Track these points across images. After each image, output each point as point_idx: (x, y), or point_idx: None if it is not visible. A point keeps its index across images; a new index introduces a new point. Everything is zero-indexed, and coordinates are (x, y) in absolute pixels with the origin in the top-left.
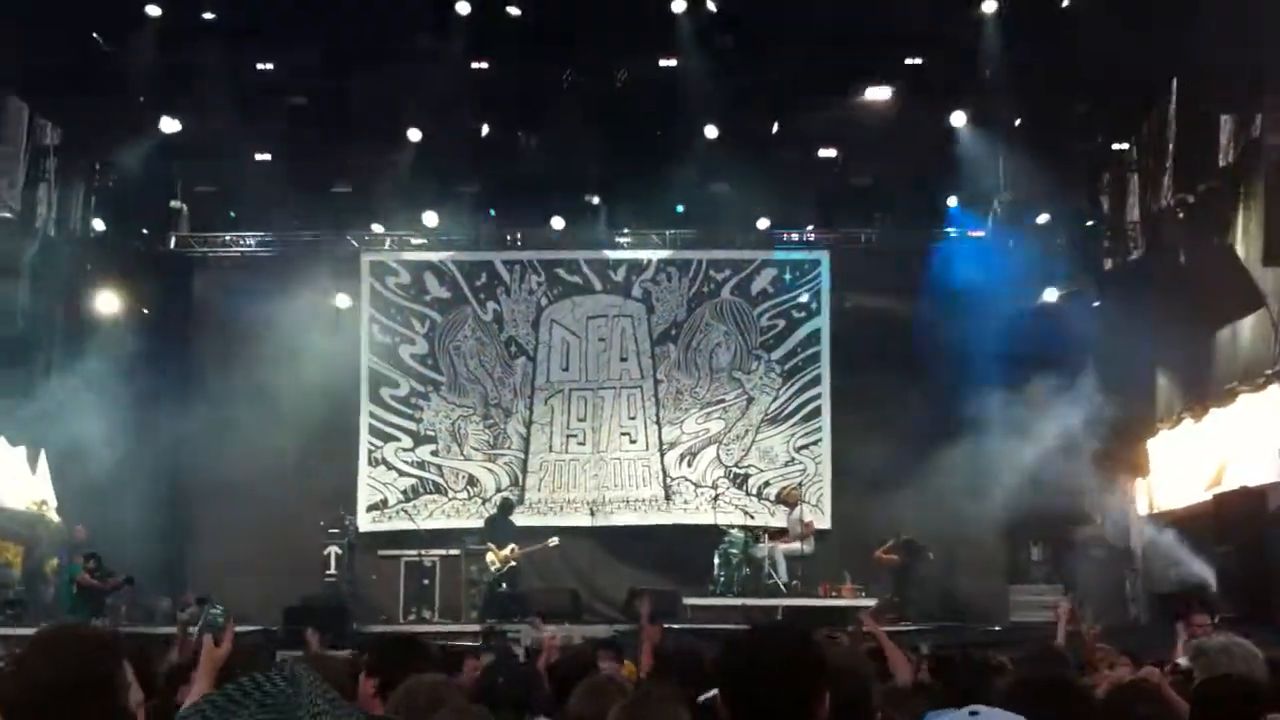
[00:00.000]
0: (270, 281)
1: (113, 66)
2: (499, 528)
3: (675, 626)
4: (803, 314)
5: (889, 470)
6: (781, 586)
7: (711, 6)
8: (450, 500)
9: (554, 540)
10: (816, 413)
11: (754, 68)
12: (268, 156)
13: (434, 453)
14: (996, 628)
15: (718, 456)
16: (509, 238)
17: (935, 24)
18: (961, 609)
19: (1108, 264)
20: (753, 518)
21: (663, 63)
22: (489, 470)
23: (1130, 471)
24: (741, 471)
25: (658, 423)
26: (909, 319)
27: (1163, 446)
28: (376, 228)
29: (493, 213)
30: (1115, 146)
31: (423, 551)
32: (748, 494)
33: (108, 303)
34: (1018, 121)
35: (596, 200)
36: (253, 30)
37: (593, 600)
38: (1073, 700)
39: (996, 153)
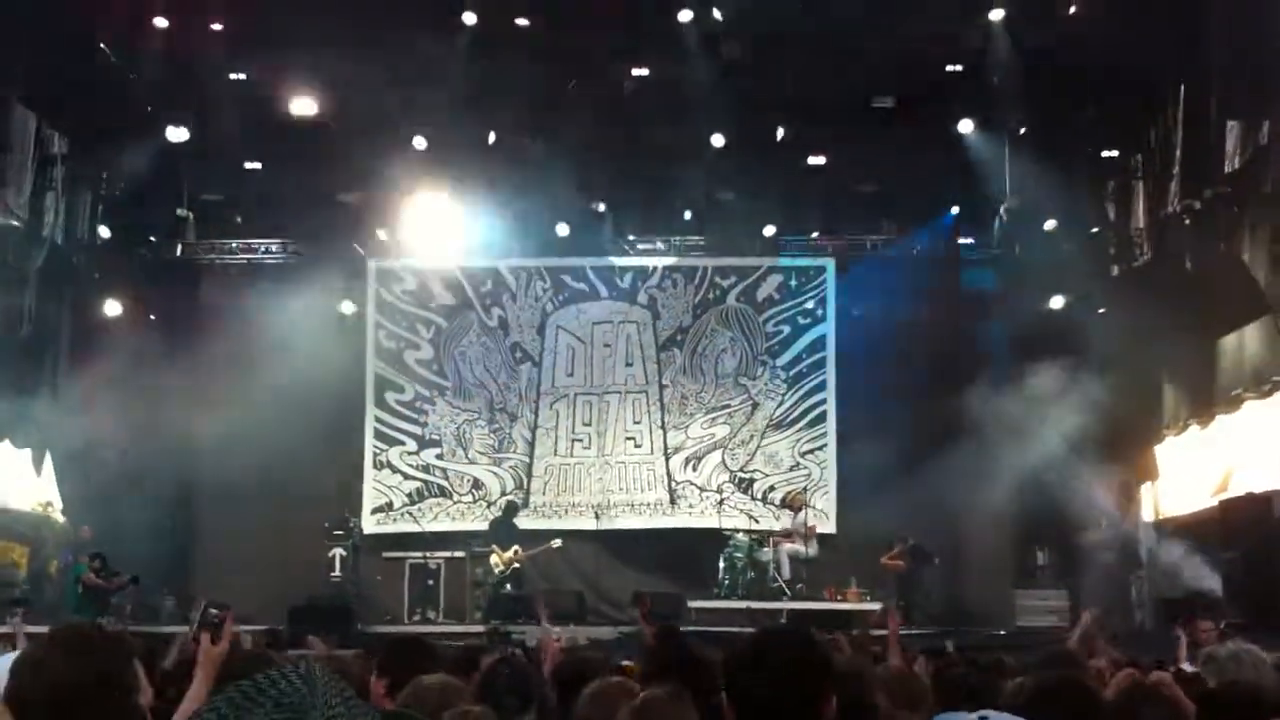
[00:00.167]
0: (276, 288)
1: (119, 76)
2: (503, 530)
3: (680, 629)
4: (808, 320)
5: (894, 475)
6: (786, 589)
7: (717, 15)
8: (455, 503)
9: (557, 542)
10: (822, 418)
11: (760, 75)
12: (274, 164)
13: (439, 456)
14: (1002, 632)
15: (723, 461)
16: (515, 244)
17: (942, 31)
18: (967, 613)
19: (1114, 270)
20: (757, 522)
21: (669, 70)
22: (494, 474)
23: (1137, 477)
24: (746, 476)
25: (663, 427)
26: (914, 325)
27: (1169, 453)
28: (383, 235)
29: (500, 220)
30: (1121, 153)
31: (427, 553)
32: (753, 499)
33: (114, 309)
34: (1024, 128)
35: (602, 207)
36: (259, 39)
37: (598, 602)
38: (1084, 703)
39: (1003, 159)
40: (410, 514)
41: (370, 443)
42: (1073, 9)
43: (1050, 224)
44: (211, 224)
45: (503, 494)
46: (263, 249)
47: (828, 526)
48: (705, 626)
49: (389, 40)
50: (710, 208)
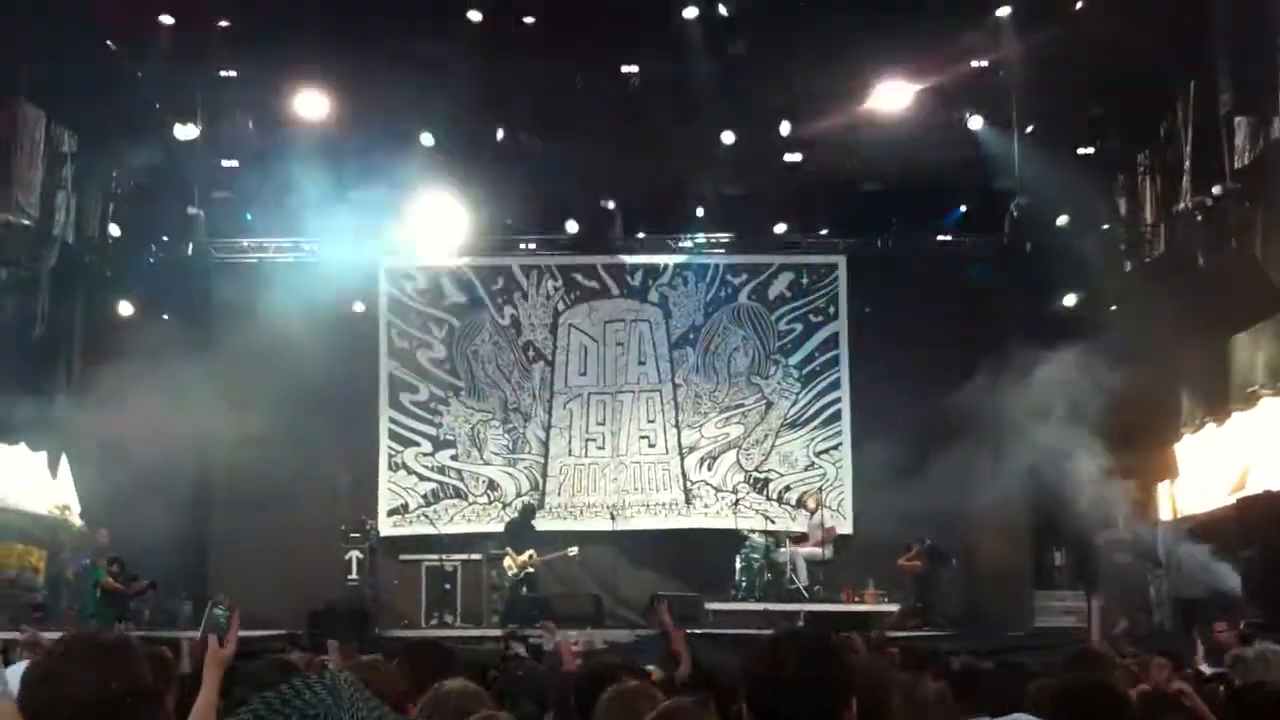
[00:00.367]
0: (289, 287)
1: (129, 73)
2: (519, 533)
3: (697, 632)
4: (820, 318)
5: (909, 474)
6: (803, 591)
7: (724, 11)
8: (471, 505)
9: (573, 550)
10: (836, 417)
11: (768, 72)
12: (284, 162)
13: (454, 457)
14: (1021, 633)
15: (737, 461)
16: (525, 243)
17: (951, 27)
18: (985, 615)
19: (1126, 267)
20: (773, 522)
21: (676, 67)
22: (509, 475)
23: (1156, 476)
24: (761, 476)
25: (677, 426)
26: (927, 322)
27: (1186, 451)
28: (394, 233)
29: (512, 220)
30: (1132, 149)
31: (444, 556)
32: (768, 498)
33: (127, 309)
34: (1033, 124)
35: (613, 205)
36: (267, 37)
37: (615, 605)
38: (1112, 706)
39: (1012, 156)
40: (426, 516)
41: (385, 444)
42: (1080, 3)
43: (1062, 220)
44: (222, 222)
45: (518, 495)
46: (274, 248)
47: (844, 527)
48: (723, 629)
49: (397, 37)
50: (720, 205)
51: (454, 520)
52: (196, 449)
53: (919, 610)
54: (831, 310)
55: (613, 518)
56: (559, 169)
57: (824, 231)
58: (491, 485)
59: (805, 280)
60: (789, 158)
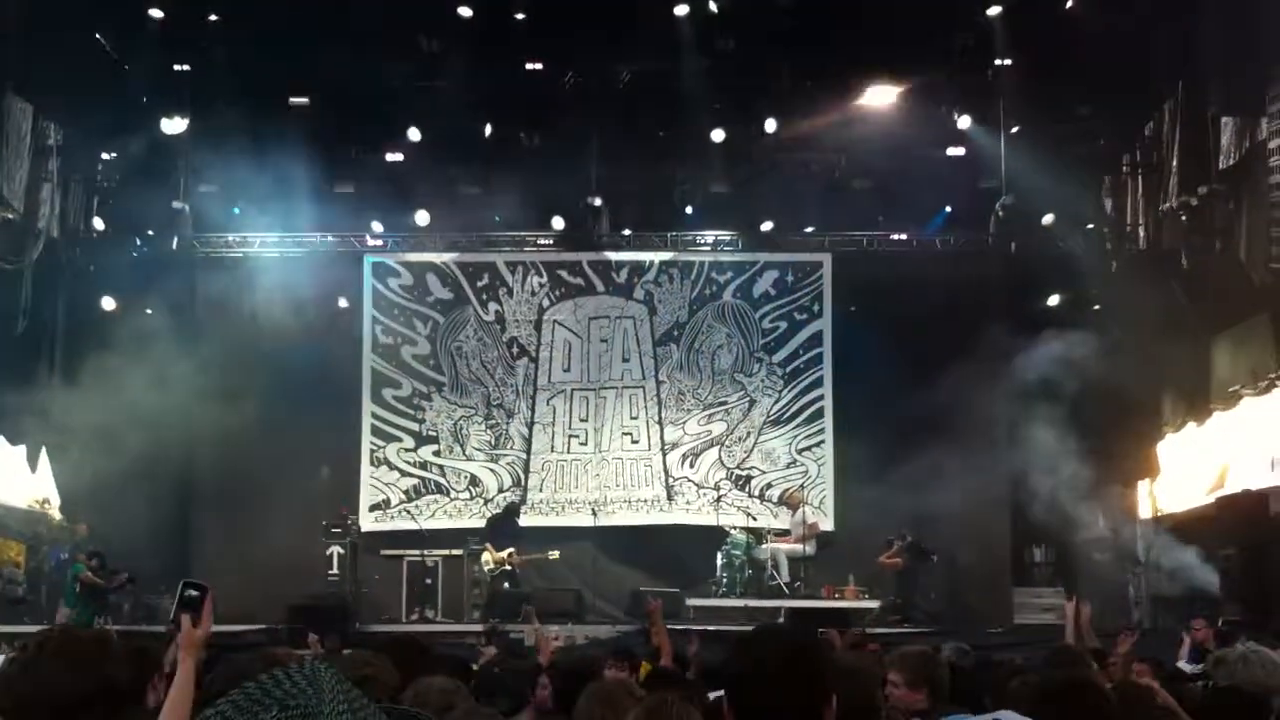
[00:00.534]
0: (273, 282)
1: (115, 67)
2: (500, 530)
3: (678, 627)
4: (804, 316)
5: (892, 472)
6: (784, 588)
7: (713, 8)
8: (452, 500)
9: (554, 553)
10: (819, 414)
11: (756, 69)
12: (270, 157)
13: (436, 453)
14: (1000, 630)
15: (720, 458)
16: (511, 239)
17: (939, 26)
18: (965, 611)
19: (1111, 266)
20: (755, 519)
21: (664, 64)
22: (491, 471)
23: (1136, 474)
24: (744, 473)
25: (660, 423)
26: (911, 321)
27: (1166, 450)
28: (378, 228)
29: (498, 217)
30: (1118, 149)
31: (425, 551)
32: (750, 495)
33: (110, 303)
34: (1021, 123)
35: (598, 202)
36: (255, 31)
37: (596, 601)
38: (1093, 702)
39: (999, 154)
40: (408, 511)
41: (367, 439)
42: (1070, 3)
43: (1049, 218)
44: (207, 217)
45: (500, 491)
46: (259, 242)
47: (826, 524)
48: (704, 625)
49: (385, 33)
50: (706, 202)
51: (435, 516)
52: (178, 443)
53: (899, 607)
54: (816, 308)
55: (595, 514)
56: (546, 165)
57: (809, 229)
58: (473, 481)
59: (790, 278)
60: (776, 156)
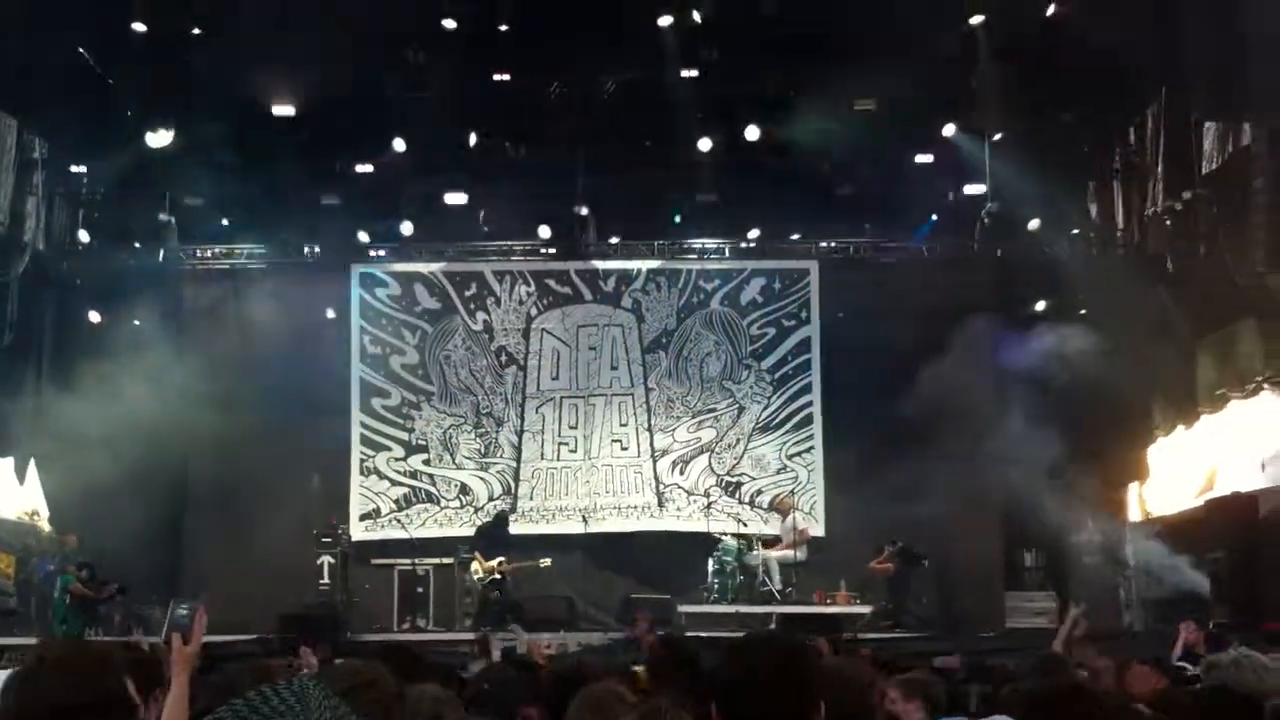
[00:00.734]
0: (260, 293)
1: (100, 80)
2: (490, 539)
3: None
4: (792, 323)
5: (882, 477)
6: (776, 594)
7: (697, 18)
8: (443, 509)
9: (546, 561)
10: (808, 420)
11: (741, 78)
12: (256, 169)
13: (426, 462)
14: (992, 634)
15: (709, 465)
16: (498, 249)
17: (923, 34)
18: (957, 616)
19: (1097, 271)
20: (745, 525)
21: (650, 74)
22: (481, 479)
23: (1126, 478)
24: (734, 480)
25: (649, 430)
26: (898, 327)
27: (1155, 453)
28: (365, 239)
29: (486, 227)
30: (1102, 154)
31: (416, 560)
32: (740, 502)
33: (96, 316)
34: (1005, 130)
35: (585, 211)
36: (239, 43)
37: (587, 608)
38: (1085, 709)
39: (984, 161)
40: (398, 520)
41: (357, 449)
42: (1052, 9)
43: (1033, 224)
44: (193, 229)
45: (490, 499)
46: (245, 253)
47: (816, 529)
48: (696, 631)
49: (370, 44)
50: (693, 211)
51: (426, 525)
52: (168, 454)
53: (891, 612)
54: (804, 315)
55: (585, 521)
56: (532, 175)
57: (796, 237)
58: (463, 490)
59: (778, 285)
60: (762, 164)
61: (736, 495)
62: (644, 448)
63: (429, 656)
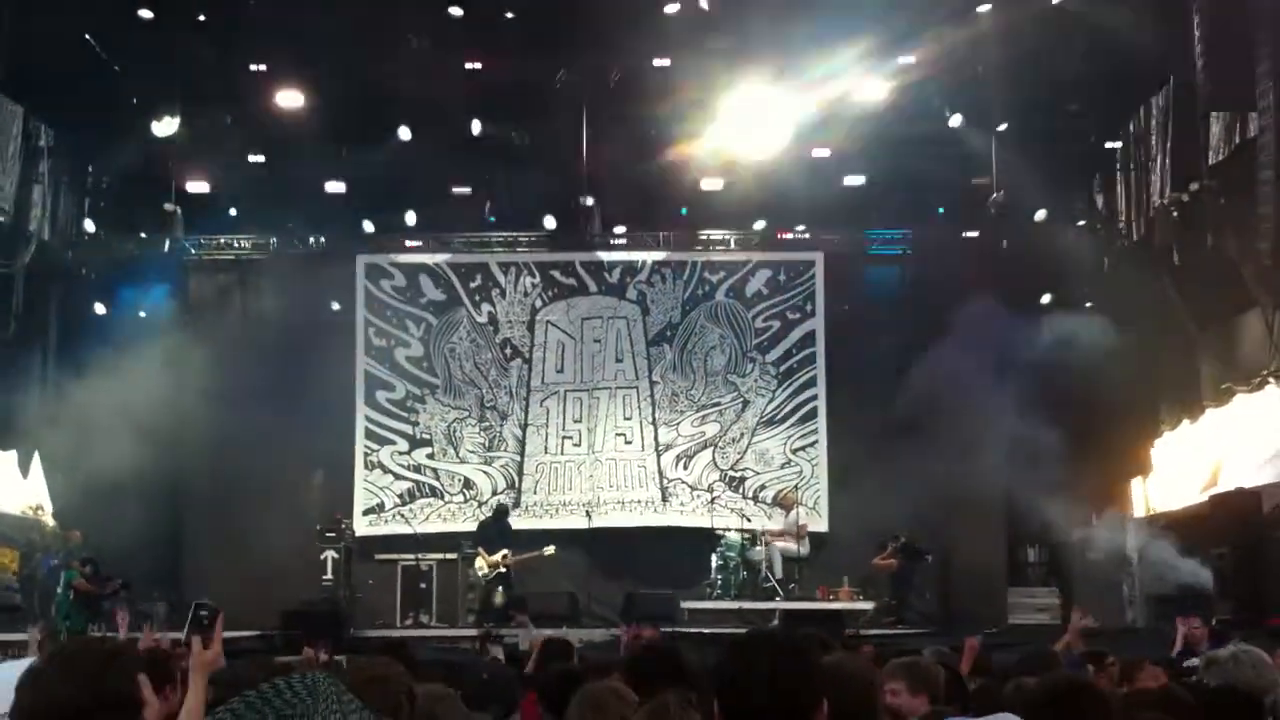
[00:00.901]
0: (265, 284)
1: (106, 68)
2: (492, 533)
3: (672, 630)
4: (797, 315)
5: (886, 472)
6: (779, 589)
7: (704, 5)
8: (446, 504)
9: (550, 549)
10: (813, 414)
11: (746, 68)
12: (261, 158)
13: (430, 456)
14: (996, 630)
15: (713, 460)
16: (503, 239)
17: (930, 24)
18: (960, 612)
19: (1103, 263)
20: (749, 520)
21: (656, 62)
22: (485, 473)
23: (1130, 472)
24: (738, 474)
25: (654, 424)
26: (904, 320)
27: (1160, 447)
28: (370, 229)
29: (492, 218)
30: (1108, 146)
31: (419, 555)
32: (744, 497)
33: (102, 306)
34: (1011, 121)
35: (590, 201)
36: (245, 31)
37: (590, 604)
38: (1092, 706)
39: (990, 152)
40: (402, 515)
41: (361, 442)
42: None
43: (1041, 214)
44: (199, 218)
45: (494, 494)
46: (251, 244)
47: (820, 524)
48: (699, 628)
49: (376, 32)
50: (698, 202)
51: (429, 519)
52: (171, 448)
53: (894, 608)
54: (809, 307)
55: (588, 515)
56: (537, 164)
57: (801, 228)
58: (467, 484)
59: (783, 277)
60: (766, 154)
61: (740, 490)
62: (648, 442)
63: (430, 652)
